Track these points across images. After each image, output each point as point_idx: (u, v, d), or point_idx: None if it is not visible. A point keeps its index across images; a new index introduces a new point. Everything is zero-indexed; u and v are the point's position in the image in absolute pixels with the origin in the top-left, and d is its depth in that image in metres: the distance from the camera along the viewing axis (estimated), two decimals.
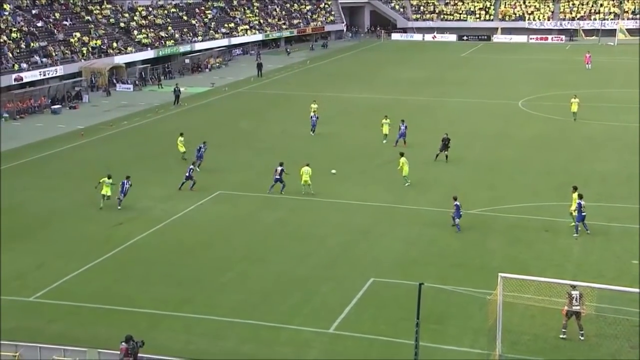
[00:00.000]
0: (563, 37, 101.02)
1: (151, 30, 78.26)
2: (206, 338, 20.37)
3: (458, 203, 28.21)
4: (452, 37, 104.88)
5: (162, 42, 77.43)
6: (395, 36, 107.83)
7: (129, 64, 70.04)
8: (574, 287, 19.78)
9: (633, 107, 52.56)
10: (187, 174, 34.14)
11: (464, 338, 20.02)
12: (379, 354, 19.42)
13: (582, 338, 19.69)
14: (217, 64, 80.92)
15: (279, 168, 33.35)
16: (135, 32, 75.94)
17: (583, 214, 27.59)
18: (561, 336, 19.84)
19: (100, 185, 31.60)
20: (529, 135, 44.94)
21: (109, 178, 31.79)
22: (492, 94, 59.82)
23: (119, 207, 31.27)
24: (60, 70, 62.87)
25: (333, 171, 35.23)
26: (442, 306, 21.80)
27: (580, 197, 27.70)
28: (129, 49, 72.17)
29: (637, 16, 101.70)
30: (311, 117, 46.12)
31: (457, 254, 26.14)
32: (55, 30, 67.73)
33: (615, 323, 20.00)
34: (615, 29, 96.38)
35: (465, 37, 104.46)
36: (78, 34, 68.95)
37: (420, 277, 21.66)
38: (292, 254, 26.59)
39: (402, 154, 34.90)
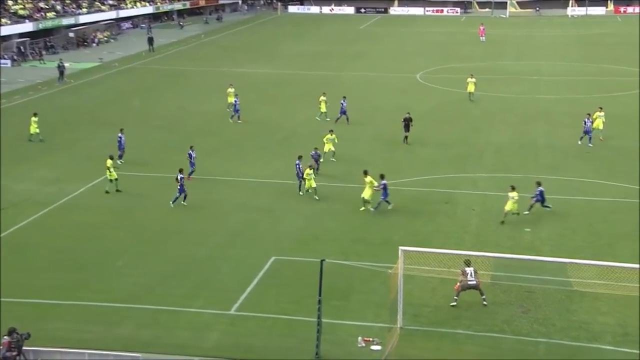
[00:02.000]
0: (458, 9, 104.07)
1: (28, 0, 74.25)
2: (101, 325, 19.84)
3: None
4: (350, 10, 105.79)
5: (42, 14, 73.68)
6: (292, 9, 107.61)
7: (4, 38, 66.24)
8: (468, 263, 20.59)
9: (524, 79, 55.04)
10: (190, 162, 31.94)
11: (367, 312, 20.48)
12: (281, 332, 19.57)
13: (485, 303, 20.54)
14: (105, 38, 78.22)
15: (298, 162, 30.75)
16: (10, 2, 71.79)
17: (387, 191, 28.24)
18: (452, 304, 20.60)
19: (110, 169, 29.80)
20: (427, 108, 46.17)
21: (111, 159, 30.24)
22: (391, 67, 60.92)
23: (184, 203, 28.67)
24: None
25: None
26: (344, 282, 22.14)
27: (382, 177, 28.20)
28: (4, 20, 68.18)
29: None
30: (233, 102, 42.80)
31: (359, 229, 26.60)
32: None
33: (510, 290, 21.13)
34: (507, 2, 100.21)
35: (362, 10, 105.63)
36: None
37: (322, 254, 21.91)
38: (191, 235, 26.26)
39: (331, 131, 35.24)
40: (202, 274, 23.09)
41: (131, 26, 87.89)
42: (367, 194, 28.11)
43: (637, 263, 21.60)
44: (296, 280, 22.42)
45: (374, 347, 18.66)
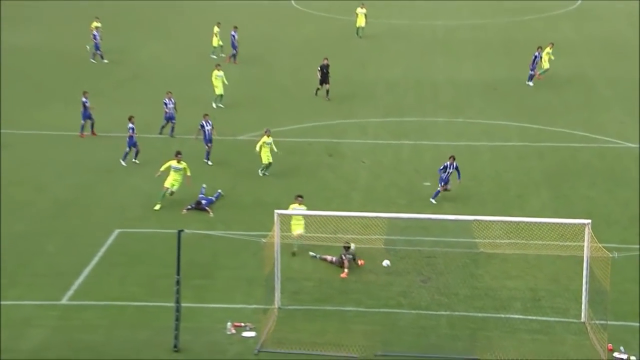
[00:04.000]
0: None
1: None
2: None
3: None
4: None
5: None
6: None
7: None
8: (347, 248, 21.10)
9: (419, 1, 56.09)
10: (84, 112, 31.13)
11: (236, 292, 20.46)
12: (130, 322, 19.20)
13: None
14: None
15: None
16: None
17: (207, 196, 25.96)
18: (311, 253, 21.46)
19: None
20: (304, 39, 46.26)
21: None
22: None
23: (136, 160, 28.74)
24: None
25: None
26: (208, 256, 22.04)
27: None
28: None
29: None
30: (94, 35, 42.03)
31: (223, 190, 26.34)
32: None
33: (407, 256, 21.70)
34: None
35: None
36: None
37: (180, 223, 21.64)
38: (4, 205, 25.17)
39: (218, 66, 35.03)
40: (18, 256, 22.25)
41: None
42: (169, 183, 25.45)
43: (548, 217, 22.79)
44: (147, 258, 22.15)
45: (246, 334, 18.70)
